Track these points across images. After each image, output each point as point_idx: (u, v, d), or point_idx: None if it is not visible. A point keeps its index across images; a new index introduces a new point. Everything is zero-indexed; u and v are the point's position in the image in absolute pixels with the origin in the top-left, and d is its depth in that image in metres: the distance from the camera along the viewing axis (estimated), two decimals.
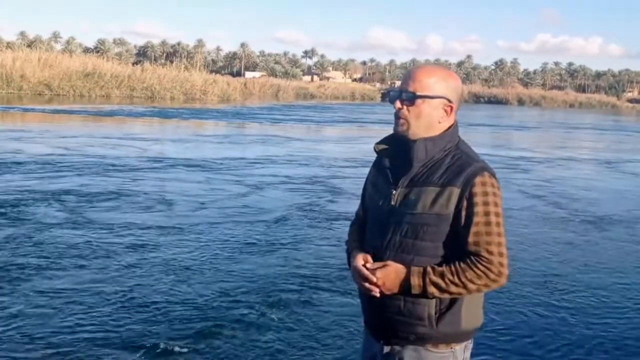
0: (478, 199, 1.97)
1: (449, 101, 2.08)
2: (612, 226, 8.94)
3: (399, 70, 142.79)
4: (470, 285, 1.97)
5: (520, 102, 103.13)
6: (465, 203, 1.98)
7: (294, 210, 8.92)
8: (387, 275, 2.02)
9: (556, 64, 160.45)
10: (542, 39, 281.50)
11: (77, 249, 6.37)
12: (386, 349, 2.14)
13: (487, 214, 1.97)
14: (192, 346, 4.26)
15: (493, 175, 2.03)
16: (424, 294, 1.98)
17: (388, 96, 2.14)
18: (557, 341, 4.67)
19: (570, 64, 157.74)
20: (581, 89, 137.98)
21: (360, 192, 2.35)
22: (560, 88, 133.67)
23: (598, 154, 21.19)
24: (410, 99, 2.06)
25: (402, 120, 2.08)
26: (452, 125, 2.11)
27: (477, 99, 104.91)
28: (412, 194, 2.02)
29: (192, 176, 11.74)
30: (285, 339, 4.46)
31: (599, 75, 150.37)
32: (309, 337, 4.52)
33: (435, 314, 2.03)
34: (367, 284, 2.05)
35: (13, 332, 4.34)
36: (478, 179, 1.98)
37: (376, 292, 2.04)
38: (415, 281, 1.98)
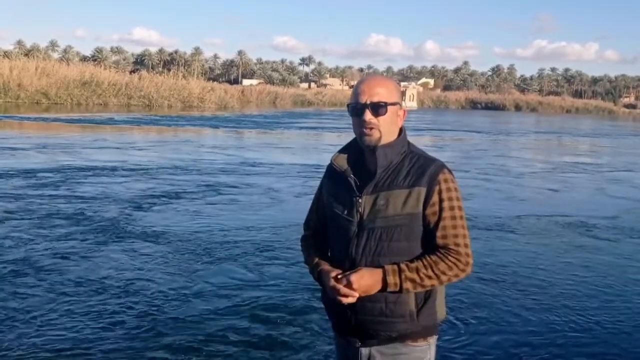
0: (443, 195, 2.09)
1: (401, 106, 2.19)
2: None
3: (397, 76, 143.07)
4: (443, 277, 2.07)
5: (517, 107, 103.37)
6: (431, 200, 2.08)
7: None
8: (362, 278, 2.05)
9: (553, 69, 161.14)
10: (539, 45, 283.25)
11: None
12: (364, 350, 2.17)
13: (452, 208, 2.09)
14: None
15: (451, 171, 2.14)
16: (399, 290, 2.06)
17: (354, 111, 2.15)
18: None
19: (566, 70, 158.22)
20: (578, 94, 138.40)
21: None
22: (557, 94, 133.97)
23: None
24: (383, 108, 2.11)
25: (373, 131, 2.12)
26: (402, 129, 2.21)
27: (474, 104, 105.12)
28: (381, 198, 2.09)
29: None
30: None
31: (595, 80, 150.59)
32: None
33: (415, 308, 2.11)
34: (343, 298, 2.07)
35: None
36: (441, 177, 2.09)
37: (353, 299, 2.07)
38: (392, 279, 2.04)
